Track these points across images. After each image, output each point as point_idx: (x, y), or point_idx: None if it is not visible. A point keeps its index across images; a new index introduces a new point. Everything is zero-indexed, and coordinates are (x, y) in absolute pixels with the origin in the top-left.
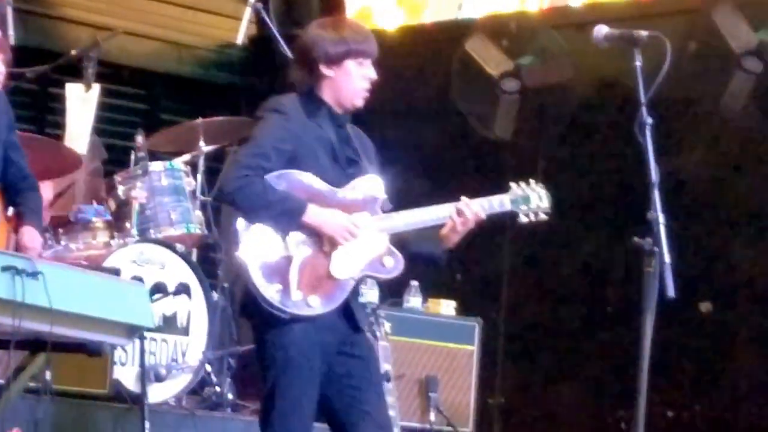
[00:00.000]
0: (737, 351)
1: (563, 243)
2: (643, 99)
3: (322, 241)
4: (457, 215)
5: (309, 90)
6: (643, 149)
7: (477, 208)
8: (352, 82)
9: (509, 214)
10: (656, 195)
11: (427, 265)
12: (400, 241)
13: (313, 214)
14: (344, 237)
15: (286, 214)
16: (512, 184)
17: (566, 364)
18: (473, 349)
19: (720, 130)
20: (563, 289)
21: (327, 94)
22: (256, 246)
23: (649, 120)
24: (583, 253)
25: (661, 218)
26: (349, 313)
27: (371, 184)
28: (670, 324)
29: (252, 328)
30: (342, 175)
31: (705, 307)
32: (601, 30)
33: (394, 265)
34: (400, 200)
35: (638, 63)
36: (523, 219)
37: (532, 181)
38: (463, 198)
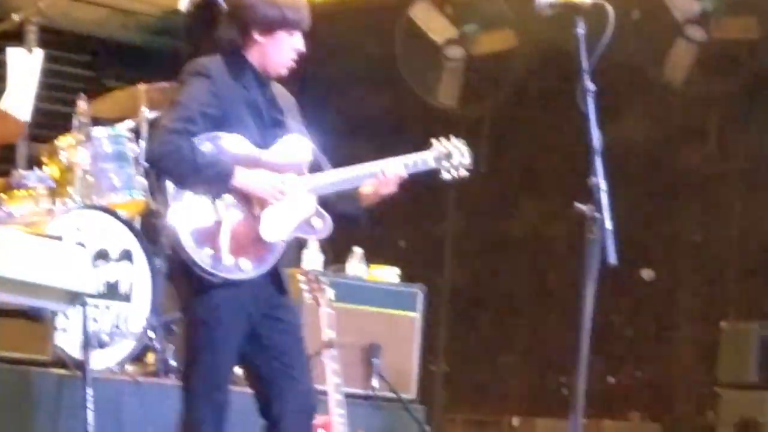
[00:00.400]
0: (678, 317)
1: (507, 210)
2: (585, 67)
3: (252, 204)
4: (379, 174)
5: (235, 51)
6: (586, 116)
7: (397, 167)
8: (281, 52)
9: (432, 171)
10: (598, 162)
11: (347, 224)
12: (322, 201)
13: (241, 177)
14: (274, 198)
15: (214, 178)
16: (434, 141)
17: (509, 330)
18: (416, 315)
19: (662, 97)
20: (506, 256)
21: (254, 58)
22: (186, 211)
23: (592, 87)
24: (526, 220)
25: (603, 185)
26: (275, 275)
27: (298, 145)
28: (612, 290)
29: (179, 292)
30: (269, 137)
31: (647, 273)
32: None
33: (323, 226)
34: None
35: (581, 31)
36: (445, 176)
37: (453, 137)
38: (385, 160)
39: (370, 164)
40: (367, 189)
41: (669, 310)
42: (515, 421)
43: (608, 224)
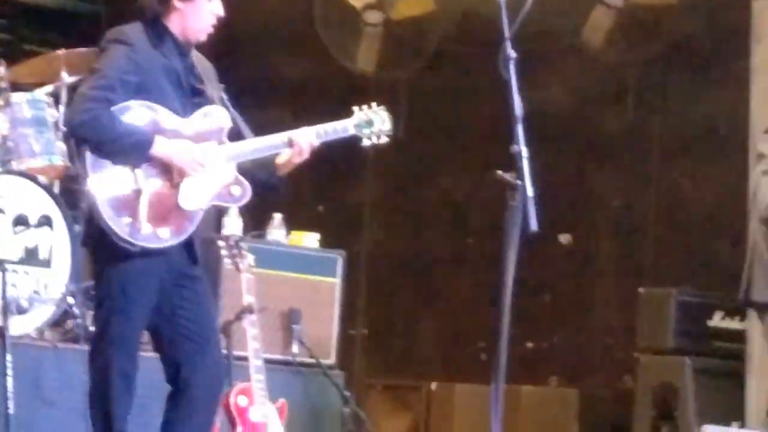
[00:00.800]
0: (596, 282)
1: (427, 176)
2: (507, 33)
3: (171, 173)
4: (293, 142)
5: (155, 18)
6: (508, 84)
7: (310, 135)
8: (201, 18)
9: (352, 138)
10: (520, 129)
11: (264, 192)
12: (241, 169)
13: (160, 146)
14: (193, 168)
15: (133, 147)
16: (355, 109)
17: (428, 295)
18: (336, 281)
19: (581, 63)
20: (425, 221)
21: (174, 25)
22: (105, 179)
23: (514, 54)
24: (444, 186)
25: (525, 152)
26: (189, 245)
27: (217, 114)
28: (529, 255)
29: (94, 259)
30: (188, 105)
31: (565, 238)
32: None
33: (242, 193)
34: (266, 133)
35: None
36: (366, 142)
37: (374, 105)
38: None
39: (284, 133)
40: (282, 158)
41: (587, 275)
42: (434, 386)
43: (530, 192)
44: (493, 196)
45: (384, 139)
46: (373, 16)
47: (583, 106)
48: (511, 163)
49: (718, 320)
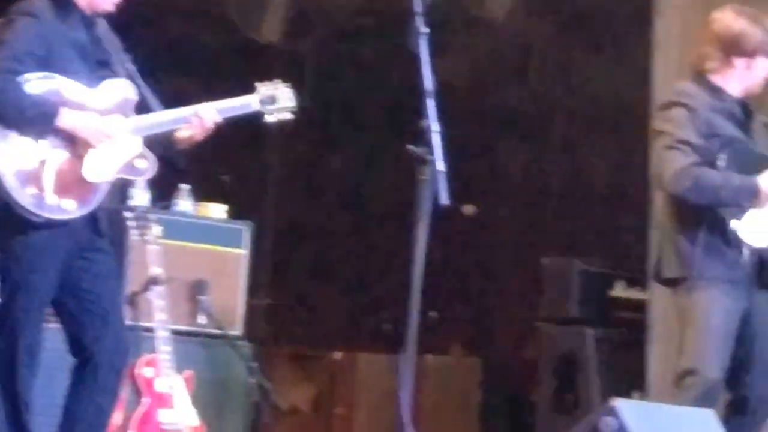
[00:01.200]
0: (499, 253)
1: (332, 147)
2: (417, 8)
3: (77, 146)
4: (198, 117)
5: None
6: (417, 58)
7: (212, 112)
8: None
9: (256, 113)
10: (430, 104)
11: (166, 166)
12: (146, 142)
13: (67, 118)
14: (99, 140)
15: (39, 119)
16: (258, 85)
17: (332, 266)
18: (243, 252)
19: (484, 35)
20: (330, 192)
21: None
22: (10, 150)
23: (424, 29)
24: (349, 156)
25: (435, 126)
26: (94, 217)
27: (123, 86)
28: (432, 225)
29: None
30: (95, 78)
31: (468, 209)
32: None
33: (147, 166)
34: (172, 105)
35: None
36: (269, 118)
37: (278, 81)
38: (201, 105)
39: (189, 108)
40: (184, 132)
41: (490, 245)
42: (337, 355)
43: (441, 166)
44: (399, 167)
45: (288, 116)
46: None
47: (486, 77)
48: (418, 136)
49: (619, 290)
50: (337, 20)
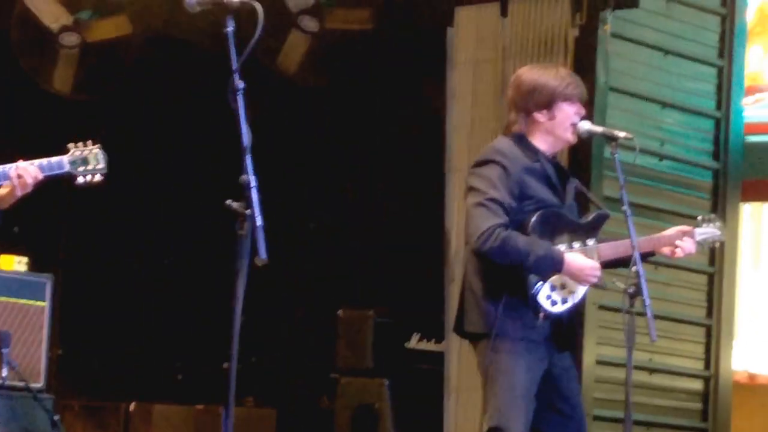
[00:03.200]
0: (295, 304)
1: (131, 200)
2: (234, 65)
3: None
4: (17, 177)
5: None
6: (235, 115)
7: (34, 170)
8: None
9: (66, 175)
10: (248, 159)
11: None
12: None
13: None
14: None
15: None
16: (70, 146)
17: (127, 316)
18: (45, 305)
19: (278, 89)
20: (131, 242)
21: None
22: None
23: (242, 84)
24: (152, 213)
25: (254, 182)
26: None
27: None
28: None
29: None
30: None
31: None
32: None
33: None
34: None
35: (230, 29)
36: (80, 180)
37: (90, 143)
38: (21, 162)
39: (10, 165)
40: (3, 191)
41: (286, 296)
42: (132, 406)
43: (259, 221)
44: (209, 221)
45: (99, 178)
46: (69, 39)
47: (282, 130)
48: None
49: (415, 342)
50: (130, 72)
